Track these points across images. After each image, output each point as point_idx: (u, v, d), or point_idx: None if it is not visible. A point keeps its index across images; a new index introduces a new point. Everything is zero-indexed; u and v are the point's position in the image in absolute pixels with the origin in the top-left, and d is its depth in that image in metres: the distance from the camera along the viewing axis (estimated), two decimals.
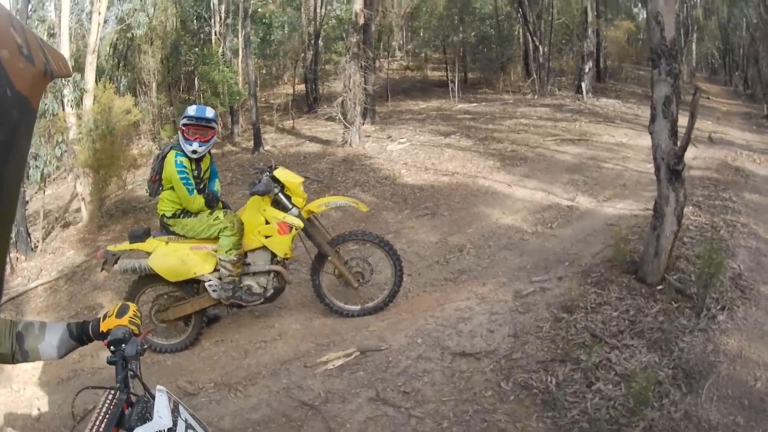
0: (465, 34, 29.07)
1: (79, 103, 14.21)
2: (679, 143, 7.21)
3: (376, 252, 7.88)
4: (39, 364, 7.12)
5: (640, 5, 38.08)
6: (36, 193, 14.90)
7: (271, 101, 25.98)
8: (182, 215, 7.24)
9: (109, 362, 2.89)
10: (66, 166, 14.84)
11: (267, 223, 7.25)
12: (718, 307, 6.86)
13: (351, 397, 5.83)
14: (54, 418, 6.17)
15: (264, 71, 29.28)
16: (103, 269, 7.50)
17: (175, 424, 2.81)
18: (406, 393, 5.79)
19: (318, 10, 26.99)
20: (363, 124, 18.71)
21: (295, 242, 7.46)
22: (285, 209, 7.28)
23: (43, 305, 10.12)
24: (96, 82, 14.58)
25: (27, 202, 13.82)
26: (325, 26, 28.41)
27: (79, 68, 15.41)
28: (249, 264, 7.37)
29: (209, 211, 7.27)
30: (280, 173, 7.36)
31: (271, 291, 7.42)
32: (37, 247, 12.62)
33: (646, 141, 10.90)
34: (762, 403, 5.47)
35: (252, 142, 19.18)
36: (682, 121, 7.20)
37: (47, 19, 20.77)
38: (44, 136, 13.57)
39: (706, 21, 39.52)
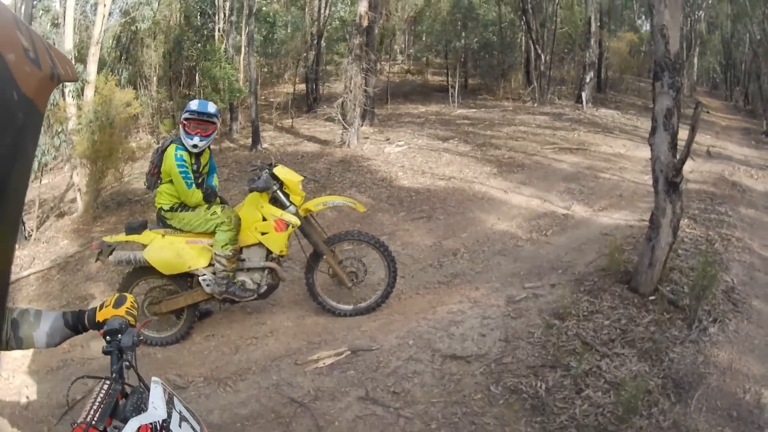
0: (467, 40, 29.15)
1: (80, 93, 14.21)
2: (678, 156, 7.24)
3: (370, 253, 7.88)
4: (29, 352, 7.10)
5: (644, 17, 38.21)
6: (32, 182, 14.84)
7: (271, 99, 26.02)
8: (180, 209, 7.24)
9: (105, 352, 2.89)
10: (63, 156, 14.80)
11: (264, 219, 7.27)
12: (710, 320, 6.91)
13: (340, 395, 5.84)
14: (43, 407, 6.16)
15: (265, 69, 29.28)
16: (98, 260, 7.49)
17: (169, 415, 2.81)
18: (396, 393, 5.81)
19: (322, 10, 27.09)
20: (362, 125, 18.73)
21: (289, 240, 7.47)
22: (283, 207, 7.30)
23: (35, 294, 10.09)
24: (98, 73, 14.60)
25: None
26: (329, 27, 28.47)
27: (82, 59, 15.44)
28: (244, 260, 7.38)
29: (207, 205, 7.28)
30: (280, 171, 7.39)
31: (265, 287, 7.44)
32: (30, 235, 12.58)
33: (644, 152, 10.95)
34: (750, 416, 5.52)
35: (250, 140, 19.19)
36: (682, 134, 7.23)
37: (52, 9, 20.79)
38: (43, 126, 13.54)
39: (709, 35, 39.55)
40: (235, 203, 7.86)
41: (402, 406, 5.62)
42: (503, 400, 5.64)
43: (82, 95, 14.18)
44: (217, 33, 21.99)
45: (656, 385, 5.74)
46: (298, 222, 7.30)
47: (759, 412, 5.60)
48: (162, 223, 7.35)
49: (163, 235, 7.23)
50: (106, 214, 13.54)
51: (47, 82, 1.45)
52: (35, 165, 13.25)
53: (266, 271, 7.42)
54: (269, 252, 7.37)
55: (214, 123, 7.31)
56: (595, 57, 27.47)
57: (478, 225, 11.31)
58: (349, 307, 7.80)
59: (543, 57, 27.21)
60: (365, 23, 17.42)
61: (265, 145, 18.93)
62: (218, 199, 7.62)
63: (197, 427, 3.06)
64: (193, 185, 7.16)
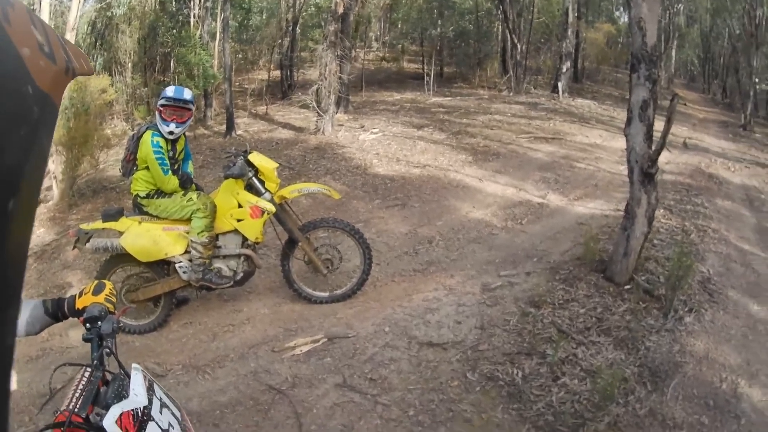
0: (443, 28, 29.16)
1: None
2: (653, 147, 7.30)
3: (346, 240, 7.90)
4: None
5: (622, 9, 38.35)
6: None
7: (246, 86, 25.85)
8: (156, 196, 7.21)
9: (85, 339, 2.87)
10: None
11: (239, 206, 7.27)
12: (686, 309, 6.99)
13: (318, 382, 5.86)
14: (23, 396, 6.12)
15: (240, 56, 29.19)
16: (75, 247, 7.44)
17: (150, 402, 2.82)
18: (373, 380, 5.83)
19: None
20: (336, 112, 18.70)
21: (265, 227, 7.49)
22: (258, 193, 7.30)
23: None
24: None
25: None
26: (304, 13, 28.32)
27: None
28: (220, 247, 7.38)
29: (183, 192, 7.26)
30: (255, 158, 7.39)
31: (241, 275, 7.45)
32: None
33: (620, 143, 11.02)
34: (727, 404, 5.60)
35: (225, 126, 19.07)
36: (658, 125, 7.29)
37: None
38: None
39: (688, 29, 39.77)
40: (210, 190, 7.85)
41: (379, 393, 5.65)
42: (480, 387, 5.68)
43: None
44: (192, 19, 21.86)
45: (632, 374, 5.81)
46: (273, 209, 7.30)
47: (736, 401, 5.68)
48: (138, 210, 7.31)
49: (140, 222, 7.20)
50: (81, 201, 13.47)
51: (62, 76, 1.45)
52: None
53: (242, 258, 7.42)
54: (245, 239, 7.38)
55: (190, 109, 7.29)
56: (572, 47, 27.60)
57: (453, 213, 11.36)
58: (325, 294, 7.81)
59: (519, 46, 27.27)
60: (341, 10, 17.38)
61: (239, 132, 18.86)
62: (194, 186, 7.59)
63: (177, 414, 3.07)
64: (170, 172, 7.14)
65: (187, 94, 7.23)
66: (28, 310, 2.91)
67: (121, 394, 2.74)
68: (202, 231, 7.04)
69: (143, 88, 22.28)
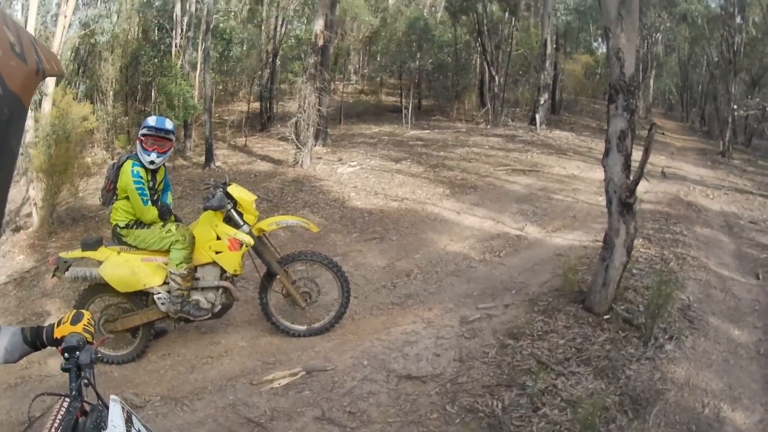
0: (422, 60, 29.23)
1: (37, 106, 14.06)
2: (632, 177, 7.36)
3: (324, 273, 7.87)
4: None
5: (600, 40, 38.62)
6: None
7: (225, 117, 25.93)
8: (135, 226, 7.21)
9: (63, 369, 2.85)
10: (19, 169, 14.68)
11: (218, 238, 7.28)
12: (666, 337, 7.02)
13: (296, 415, 5.84)
14: (2, 424, 6.09)
15: (220, 87, 29.23)
16: (54, 275, 7.41)
17: None
18: (352, 413, 5.82)
19: (278, 28, 27.15)
20: (315, 145, 18.84)
21: (243, 259, 7.49)
22: (237, 226, 7.32)
23: None
24: (56, 86, 14.52)
25: None
26: (284, 45, 28.46)
27: None
28: (198, 279, 7.36)
29: (162, 223, 7.27)
30: (234, 190, 7.40)
31: (219, 307, 7.44)
32: None
33: (597, 174, 11.10)
34: (710, 429, 5.64)
35: (204, 158, 19.12)
36: (636, 155, 7.35)
37: (13, 17, 20.62)
38: None
39: (666, 58, 40.12)
40: (189, 221, 7.90)
41: (358, 426, 5.64)
42: (459, 420, 5.68)
43: (40, 108, 14.06)
44: (174, 48, 21.97)
45: (613, 402, 5.81)
46: (251, 241, 7.31)
47: (719, 425, 5.72)
48: (117, 239, 7.30)
49: (119, 252, 7.19)
50: (61, 229, 13.44)
51: (33, 77, 1.47)
52: None
53: (220, 291, 7.42)
54: (223, 271, 7.38)
55: (171, 140, 7.31)
56: (550, 79, 27.76)
57: (431, 246, 11.39)
58: (303, 328, 7.80)
59: (497, 79, 27.52)
60: (321, 42, 17.53)
61: (218, 164, 18.90)
62: (173, 217, 7.60)
63: None
64: (149, 202, 7.14)
65: (169, 124, 7.24)
66: (6, 338, 2.90)
67: (100, 426, 2.74)
68: (180, 262, 7.04)
69: (124, 117, 22.29)
